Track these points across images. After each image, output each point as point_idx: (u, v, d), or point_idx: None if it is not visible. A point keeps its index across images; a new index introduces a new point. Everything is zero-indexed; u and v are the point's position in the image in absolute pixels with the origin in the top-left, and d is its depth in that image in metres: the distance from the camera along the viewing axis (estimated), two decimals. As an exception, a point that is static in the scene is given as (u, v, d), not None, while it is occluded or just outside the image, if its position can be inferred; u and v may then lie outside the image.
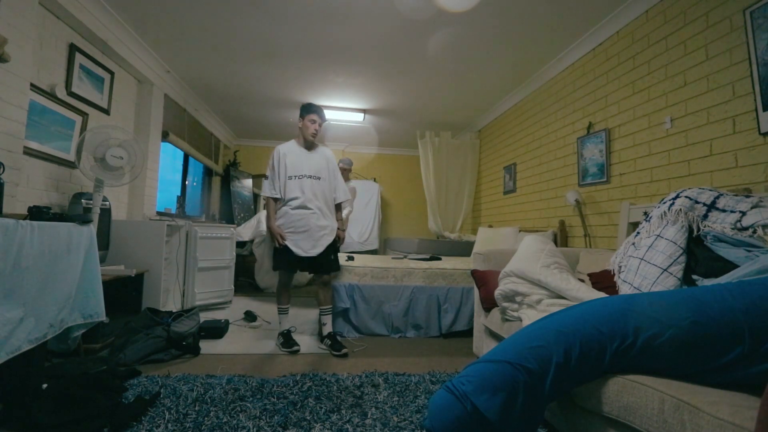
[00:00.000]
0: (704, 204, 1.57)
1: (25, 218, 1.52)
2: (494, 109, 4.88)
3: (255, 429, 1.44)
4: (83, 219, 1.67)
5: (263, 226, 4.99)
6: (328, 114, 5.22)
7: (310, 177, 2.55)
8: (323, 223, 2.55)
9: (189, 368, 2.08)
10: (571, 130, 3.35)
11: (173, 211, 4.60)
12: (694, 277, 1.48)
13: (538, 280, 1.75)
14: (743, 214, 1.46)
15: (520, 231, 3.84)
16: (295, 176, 2.54)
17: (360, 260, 3.35)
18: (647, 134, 2.52)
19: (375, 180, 7.10)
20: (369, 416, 1.57)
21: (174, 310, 2.64)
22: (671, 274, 1.48)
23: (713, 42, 2.08)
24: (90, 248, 1.64)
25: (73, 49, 2.80)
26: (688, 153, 2.22)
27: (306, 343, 2.67)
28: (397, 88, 4.34)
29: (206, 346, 2.45)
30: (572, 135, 3.32)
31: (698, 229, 1.54)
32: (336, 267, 2.68)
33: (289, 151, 2.60)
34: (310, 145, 2.65)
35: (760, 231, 1.39)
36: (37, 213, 1.81)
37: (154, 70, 3.78)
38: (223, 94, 4.75)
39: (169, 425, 1.44)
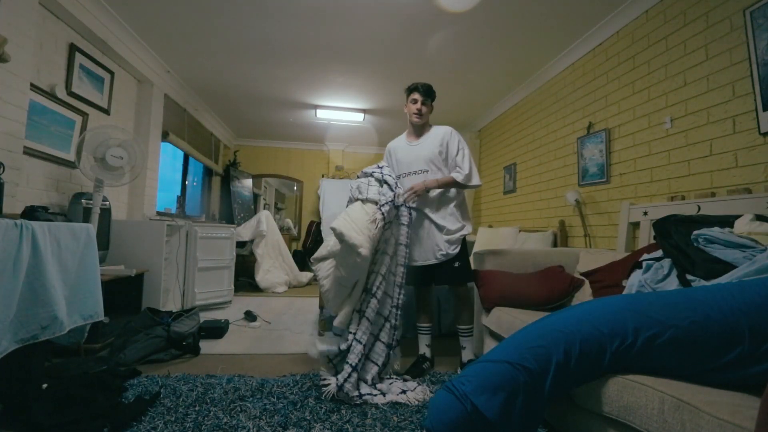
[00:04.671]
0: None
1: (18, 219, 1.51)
2: (494, 109, 4.88)
3: (255, 429, 1.44)
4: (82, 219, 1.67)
5: (263, 226, 4.99)
6: (328, 114, 5.20)
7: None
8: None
9: (189, 368, 2.08)
10: (571, 130, 3.35)
11: (173, 211, 4.60)
12: (692, 278, 1.48)
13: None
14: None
15: (520, 231, 3.84)
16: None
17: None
18: (647, 134, 2.52)
19: (375, 180, 7.09)
20: (369, 416, 1.57)
21: (174, 310, 2.63)
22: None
23: (713, 42, 2.08)
24: (89, 248, 1.64)
25: (73, 49, 2.80)
26: (688, 153, 2.22)
27: (305, 343, 2.67)
28: (397, 88, 4.32)
29: (206, 346, 2.45)
30: (572, 135, 3.32)
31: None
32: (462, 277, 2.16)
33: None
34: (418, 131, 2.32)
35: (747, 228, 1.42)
36: (30, 213, 1.80)
37: (154, 70, 3.77)
38: (223, 94, 4.74)
39: (169, 425, 1.44)
